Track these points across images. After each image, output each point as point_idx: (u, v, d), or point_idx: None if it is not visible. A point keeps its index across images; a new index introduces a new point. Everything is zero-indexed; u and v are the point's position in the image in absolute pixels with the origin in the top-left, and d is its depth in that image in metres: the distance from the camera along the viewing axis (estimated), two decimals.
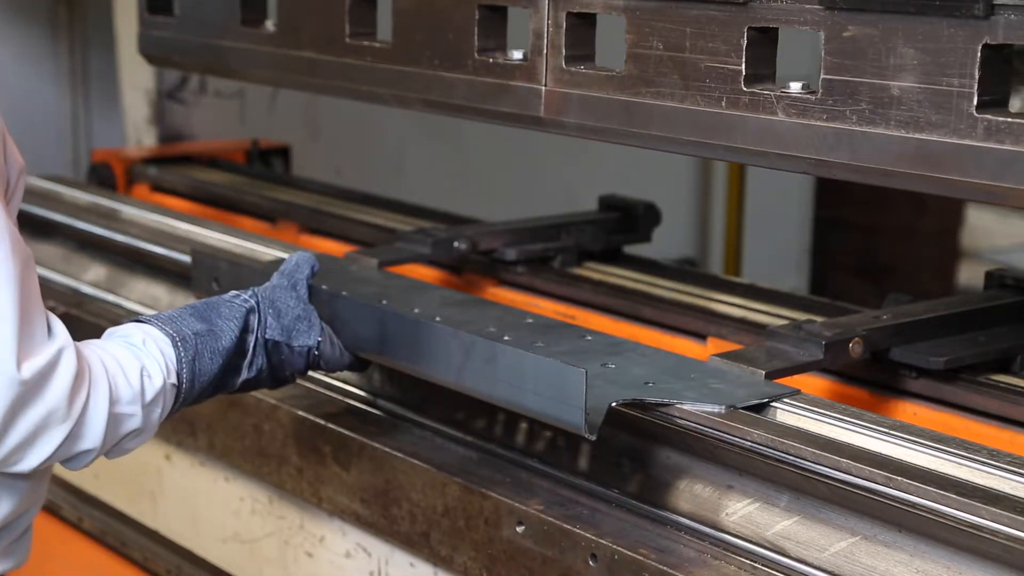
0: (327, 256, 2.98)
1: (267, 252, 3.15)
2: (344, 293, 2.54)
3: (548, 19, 2.43)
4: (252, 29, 3.12)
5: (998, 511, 1.83)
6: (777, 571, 2.05)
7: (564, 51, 2.43)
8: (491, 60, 2.57)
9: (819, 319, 2.53)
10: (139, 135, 4.70)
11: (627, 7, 2.31)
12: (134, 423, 2.03)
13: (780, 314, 2.79)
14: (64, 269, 3.56)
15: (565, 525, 2.19)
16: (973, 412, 2.42)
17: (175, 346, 2.14)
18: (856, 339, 2.41)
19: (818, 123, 2.09)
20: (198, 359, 2.17)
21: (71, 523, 3.42)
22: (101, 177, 4.50)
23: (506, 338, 2.45)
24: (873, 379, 2.53)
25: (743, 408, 2.17)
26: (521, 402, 2.20)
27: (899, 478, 1.94)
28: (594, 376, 2.12)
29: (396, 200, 3.82)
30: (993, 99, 1.94)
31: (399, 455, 2.47)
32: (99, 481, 3.35)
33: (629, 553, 2.10)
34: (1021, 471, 1.94)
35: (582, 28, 2.44)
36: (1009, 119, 1.90)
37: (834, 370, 2.54)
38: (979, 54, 1.91)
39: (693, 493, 2.21)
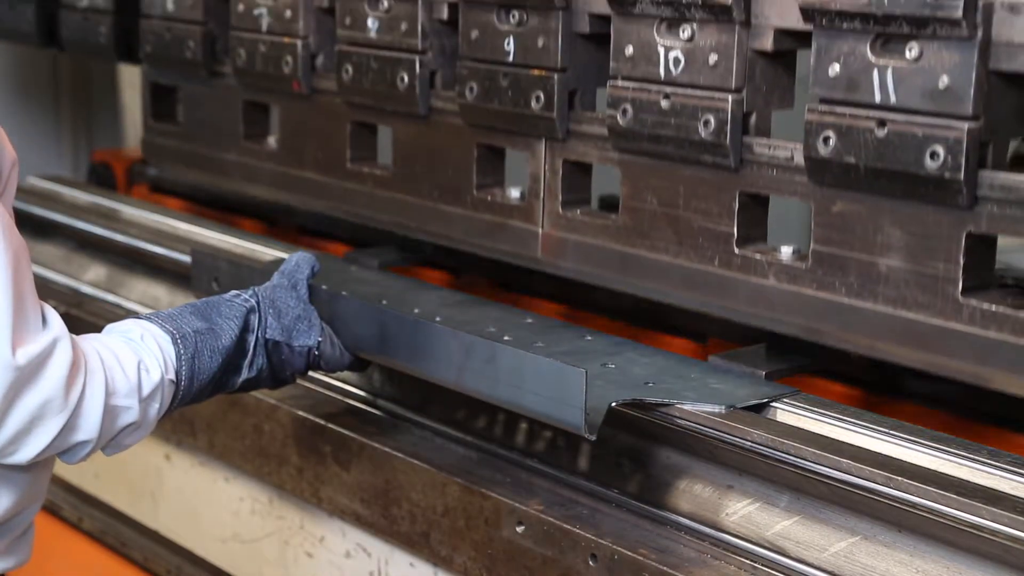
0: (327, 256, 2.98)
1: (267, 252, 3.15)
2: (344, 293, 2.54)
3: (545, 164, 2.47)
4: (254, 145, 3.13)
5: (998, 511, 1.83)
6: (777, 571, 2.05)
7: (560, 196, 2.46)
8: (489, 198, 2.59)
9: None
10: (139, 135, 4.69)
11: (622, 160, 2.34)
12: (131, 416, 2.03)
13: None
14: (64, 269, 3.56)
15: (565, 525, 2.19)
16: (973, 412, 2.42)
17: (175, 343, 2.14)
18: None
19: (808, 291, 2.12)
20: (197, 357, 2.17)
21: (71, 523, 3.42)
22: (101, 177, 4.49)
23: (506, 338, 2.45)
24: (873, 379, 2.53)
25: (743, 408, 2.17)
26: (521, 402, 2.20)
27: (899, 478, 1.94)
28: (594, 376, 2.12)
29: None
30: (978, 284, 1.97)
31: (399, 455, 2.47)
32: (99, 481, 3.35)
33: (629, 553, 2.10)
34: (1021, 471, 1.94)
35: (578, 175, 2.46)
36: (993, 307, 1.93)
37: (835, 370, 2.54)
38: (963, 242, 1.94)
39: (693, 493, 2.20)
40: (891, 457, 2.01)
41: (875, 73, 1.95)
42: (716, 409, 2.15)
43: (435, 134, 2.67)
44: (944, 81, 1.88)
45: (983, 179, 1.90)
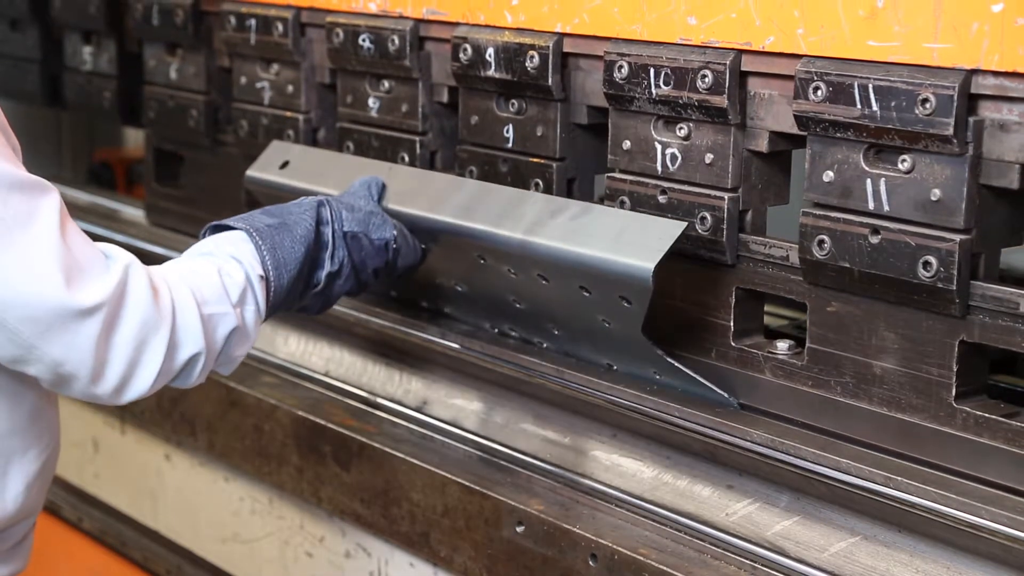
0: None
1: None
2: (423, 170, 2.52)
3: None
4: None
5: (998, 511, 1.84)
6: (777, 571, 2.05)
7: None
8: None
9: None
10: (139, 135, 4.70)
11: None
12: (229, 321, 2.02)
13: (780, 314, 2.79)
14: None
15: (565, 525, 2.19)
16: None
17: (251, 237, 2.13)
18: None
19: (804, 388, 2.14)
20: (279, 248, 2.15)
21: (71, 523, 3.42)
22: (101, 177, 4.49)
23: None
24: None
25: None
26: (588, 251, 2.17)
27: (899, 478, 1.94)
28: None
29: None
30: (971, 391, 1.99)
31: (399, 455, 2.47)
32: (99, 481, 3.35)
33: (629, 553, 2.10)
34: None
35: None
36: (986, 414, 1.95)
37: None
38: (957, 349, 1.96)
39: (693, 493, 2.21)
40: (891, 457, 2.01)
41: (868, 182, 1.98)
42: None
43: None
44: (936, 194, 1.91)
45: (975, 290, 1.93)
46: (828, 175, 2.02)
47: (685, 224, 2.11)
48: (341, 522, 2.65)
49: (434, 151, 2.69)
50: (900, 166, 1.94)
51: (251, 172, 2.76)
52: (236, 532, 2.94)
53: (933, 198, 1.91)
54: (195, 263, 2.07)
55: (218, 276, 2.04)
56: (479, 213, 2.36)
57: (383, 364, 2.73)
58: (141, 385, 1.91)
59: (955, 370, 1.97)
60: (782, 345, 2.20)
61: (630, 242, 2.13)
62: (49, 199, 1.83)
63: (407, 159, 2.68)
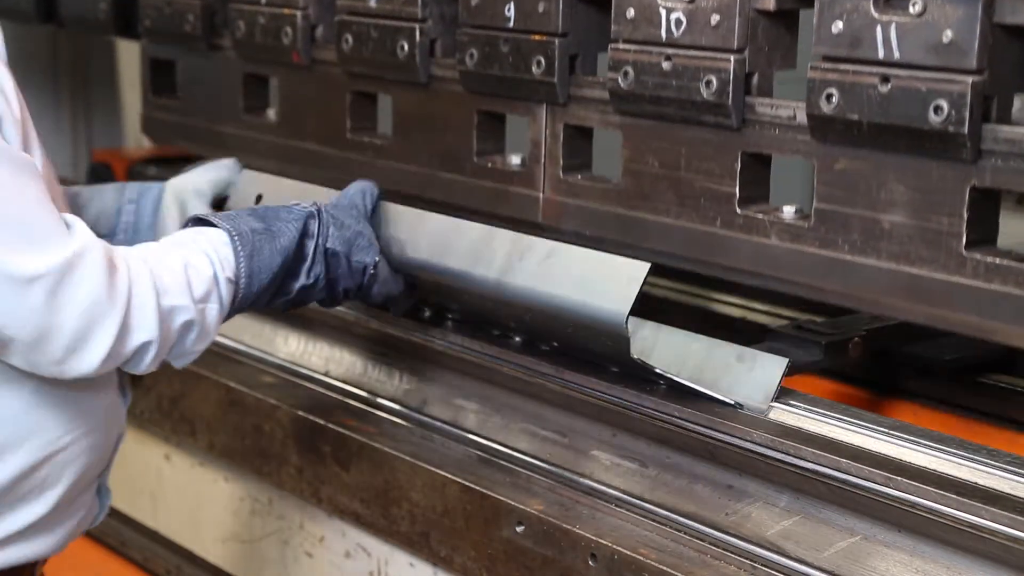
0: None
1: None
2: (399, 205, 2.51)
3: (546, 129, 2.46)
4: (254, 118, 3.13)
5: (998, 511, 1.83)
6: (777, 571, 2.05)
7: (561, 160, 2.46)
8: (489, 164, 2.60)
9: (819, 319, 2.53)
10: (139, 135, 4.69)
11: (623, 124, 2.34)
12: (186, 315, 2.01)
13: (780, 314, 2.79)
14: None
15: (565, 525, 2.19)
16: (973, 412, 2.42)
17: (232, 241, 2.12)
18: (856, 339, 2.41)
19: (811, 249, 2.12)
20: (257, 255, 2.14)
21: None
22: (101, 177, 4.49)
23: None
24: (873, 379, 2.53)
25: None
26: (561, 297, 2.18)
27: (899, 478, 1.94)
28: None
29: None
30: (982, 238, 1.97)
31: (399, 455, 2.47)
32: None
33: (629, 553, 2.10)
34: (1021, 471, 1.94)
35: (579, 139, 2.47)
36: (997, 260, 1.92)
37: (834, 370, 2.54)
38: (967, 196, 1.94)
39: (693, 493, 2.20)
40: (891, 457, 2.01)
41: (878, 29, 1.94)
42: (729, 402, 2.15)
43: (435, 102, 2.66)
44: (948, 35, 1.87)
45: (987, 133, 1.89)
46: (837, 26, 1.98)
47: (650, 265, 2.09)
48: (341, 522, 2.65)
49: (434, 39, 2.65)
50: (911, 10, 1.90)
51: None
52: (236, 532, 2.94)
53: (945, 40, 1.87)
54: (164, 251, 2.06)
55: (183, 269, 2.03)
56: (452, 253, 2.36)
57: (383, 364, 2.73)
58: (88, 362, 1.91)
59: (965, 218, 1.93)
60: (789, 209, 2.17)
61: (598, 290, 2.13)
62: (20, 172, 1.84)
63: (407, 48, 2.64)
